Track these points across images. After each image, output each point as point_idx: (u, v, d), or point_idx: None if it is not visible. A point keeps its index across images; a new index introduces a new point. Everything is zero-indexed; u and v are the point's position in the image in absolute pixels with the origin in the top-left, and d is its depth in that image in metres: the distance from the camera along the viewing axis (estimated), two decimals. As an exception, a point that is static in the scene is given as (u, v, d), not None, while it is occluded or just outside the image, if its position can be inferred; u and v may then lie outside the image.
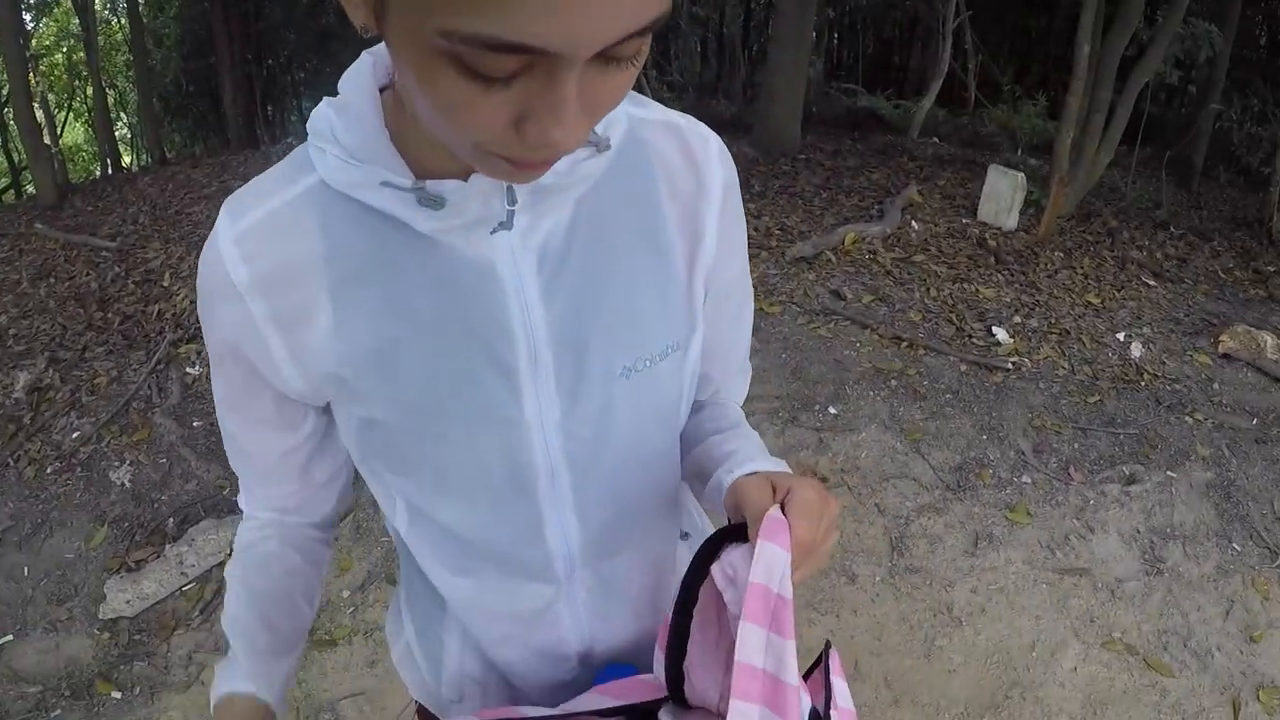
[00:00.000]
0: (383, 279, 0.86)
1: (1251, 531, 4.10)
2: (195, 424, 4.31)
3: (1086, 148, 7.99)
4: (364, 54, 0.85)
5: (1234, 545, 4.00)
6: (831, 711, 0.91)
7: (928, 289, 6.21)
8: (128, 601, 3.26)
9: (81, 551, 3.56)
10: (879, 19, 17.85)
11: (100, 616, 3.25)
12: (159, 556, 3.45)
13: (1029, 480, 4.25)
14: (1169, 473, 4.42)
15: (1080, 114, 7.95)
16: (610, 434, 0.97)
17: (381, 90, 0.84)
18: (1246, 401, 5.27)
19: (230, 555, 1.17)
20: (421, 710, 1.31)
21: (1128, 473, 4.38)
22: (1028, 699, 3.13)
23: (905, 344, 5.36)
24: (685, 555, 1.18)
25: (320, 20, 15.90)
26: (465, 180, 0.80)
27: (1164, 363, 5.66)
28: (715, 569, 0.87)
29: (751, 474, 0.92)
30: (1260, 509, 4.27)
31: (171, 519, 3.69)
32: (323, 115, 0.85)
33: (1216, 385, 5.43)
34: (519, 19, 0.53)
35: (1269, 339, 5.75)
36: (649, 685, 1.03)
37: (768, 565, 0.79)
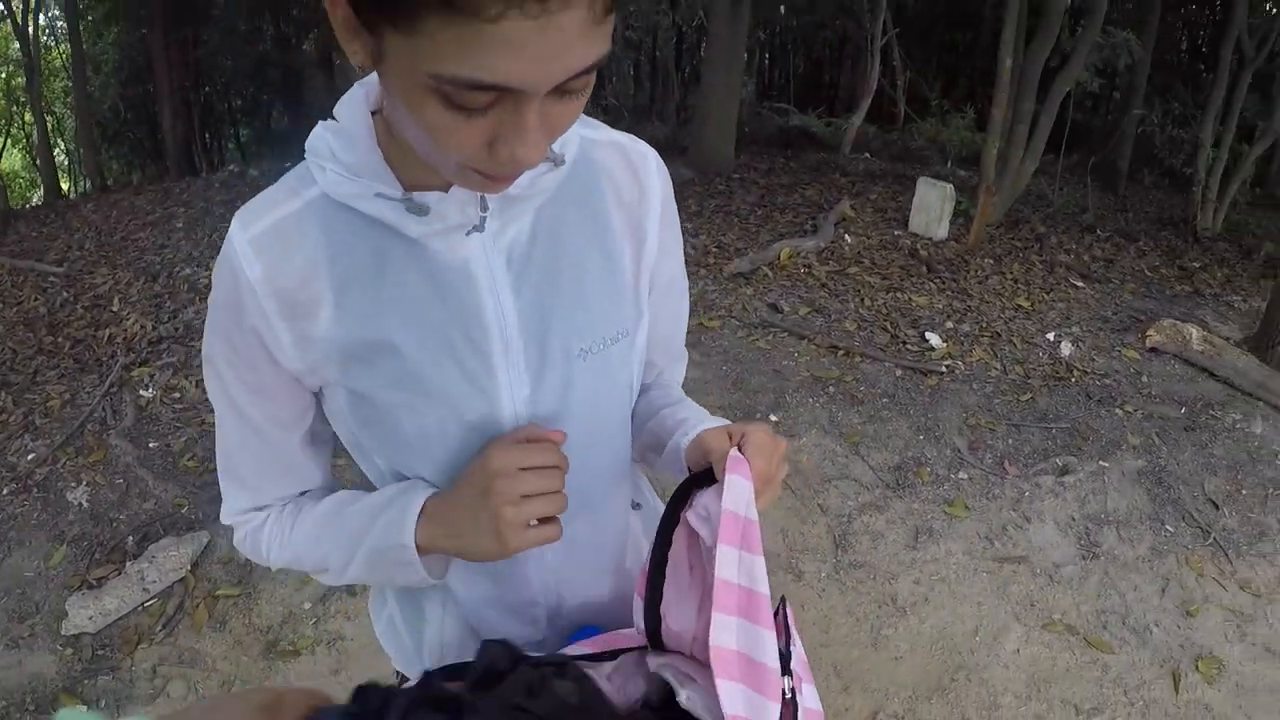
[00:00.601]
0: (376, 276, 1.00)
1: (1183, 513, 4.30)
2: (151, 445, 4.36)
3: (1012, 157, 8.27)
4: (356, 86, 0.98)
5: (1167, 527, 4.20)
6: (792, 648, 1.05)
7: (862, 299, 6.41)
8: (90, 618, 3.30)
9: (41, 570, 3.61)
10: (809, 39, 18.17)
11: (63, 633, 3.29)
12: (120, 573, 3.50)
13: (966, 476, 4.42)
14: (1101, 462, 4.62)
15: (1005, 125, 8.23)
16: (570, 408, 1.11)
17: (372, 114, 0.99)
18: (1175, 392, 5.51)
19: (273, 544, 1.23)
20: (403, 680, 1.42)
21: (1061, 464, 4.57)
22: (973, 681, 3.27)
23: (842, 352, 5.54)
24: (637, 524, 1.35)
25: (257, 47, 15.96)
26: (445, 192, 0.96)
27: (1093, 359, 5.89)
28: (688, 513, 1.02)
29: (708, 429, 1.09)
30: (1191, 492, 4.47)
31: (131, 537, 3.74)
32: (320, 137, 0.98)
33: (1145, 378, 5.67)
34: (491, 64, 0.69)
35: (1194, 331, 5.99)
36: (625, 637, 1.17)
37: (735, 495, 0.94)
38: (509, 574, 1.22)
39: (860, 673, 3.30)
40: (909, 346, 5.79)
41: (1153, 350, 6.03)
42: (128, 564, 3.53)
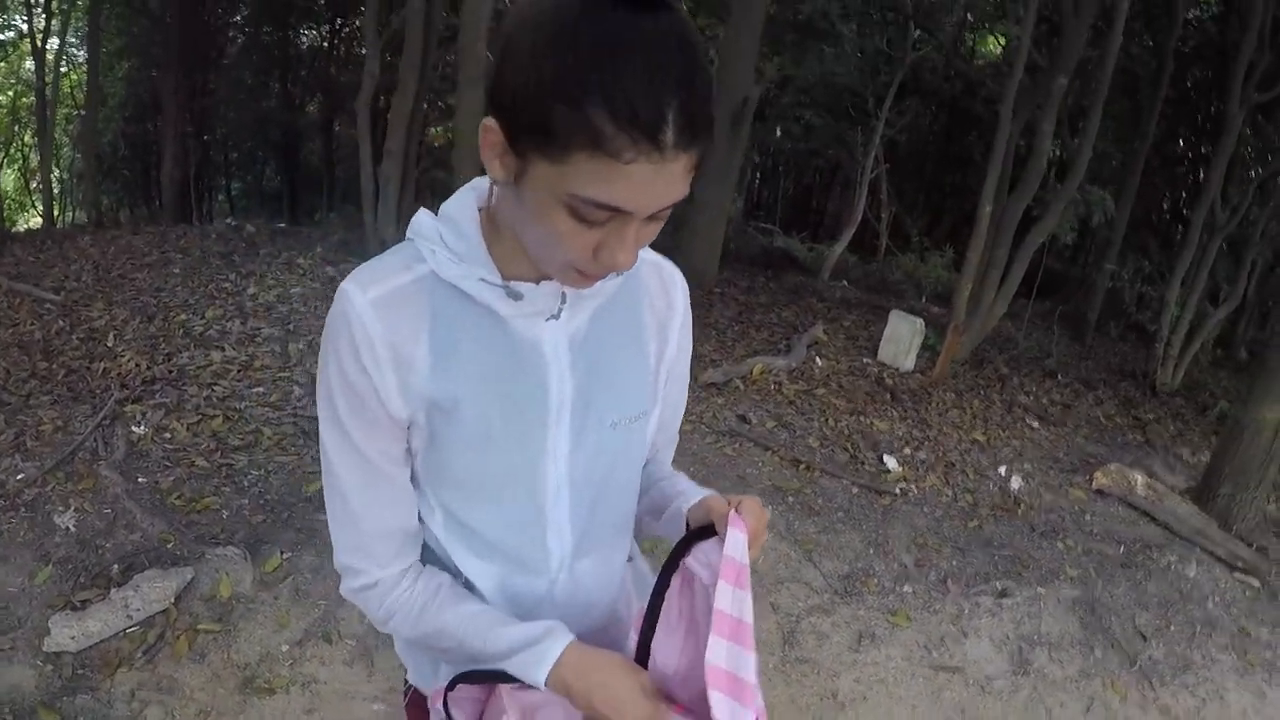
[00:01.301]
0: (467, 343, 1.27)
1: (1112, 641, 4.63)
2: (140, 480, 4.50)
3: (983, 299, 8.69)
4: (465, 189, 1.30)
5: (1095, 652, 4.52)
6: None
7: (826, 419, 6.76)
8: (72, 638, 3.39)
9: (25, 587, 3.69)
10: (800, 164, 18.65)
11: (44, 649, 3.37)
12: (104, 598, 3.58)
13: (910, 589, 4.73)
14: (1039, 589, 4.95)
15: (979, 268, 8.66)
16: (598, 467, 1.42)
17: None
18: (1115, 531, 5.87)
19: (396, 612, 1.41)
20: (415, 694, 1.66)
21: (1000, 587, 4.90)
22: (901, 775, 3.57)
23: (803, 466, 5.87)
24: (630, 574, 1.66)
25: (261, 104, 16.23)
26: (535, 284, 1.25)
27: (1041, 495, 6.27)
28: (688, 559, 1.34)
29: (712, 495, 1.42)
30: (1121, 623, 4.80)
31: (116, 565, 3.84)
32: (428, 224, 1.28)
33: (1088, 516, 6.04)
34: (617, 193, 1.01)
35: (1140, 477, 6.37)
36: None
37: (734, 544, 1.25)
38: (530, 609, 1.46)
39: (798, 757, 3.58)
40: (867, 467, 6.14)
41: (1099, 492, 6.41)
42: (112, 590, 3.61)
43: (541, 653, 1.30)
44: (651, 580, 1.51)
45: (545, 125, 0.99)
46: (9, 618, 3.50)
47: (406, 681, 1.69)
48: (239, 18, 16.22)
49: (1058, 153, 13.80)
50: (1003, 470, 6.54)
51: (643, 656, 1.39)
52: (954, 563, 5.12)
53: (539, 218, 1.08)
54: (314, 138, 18.20)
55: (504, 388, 1.30)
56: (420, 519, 1.43)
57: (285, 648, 3.60)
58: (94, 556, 3.90)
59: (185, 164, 13.92)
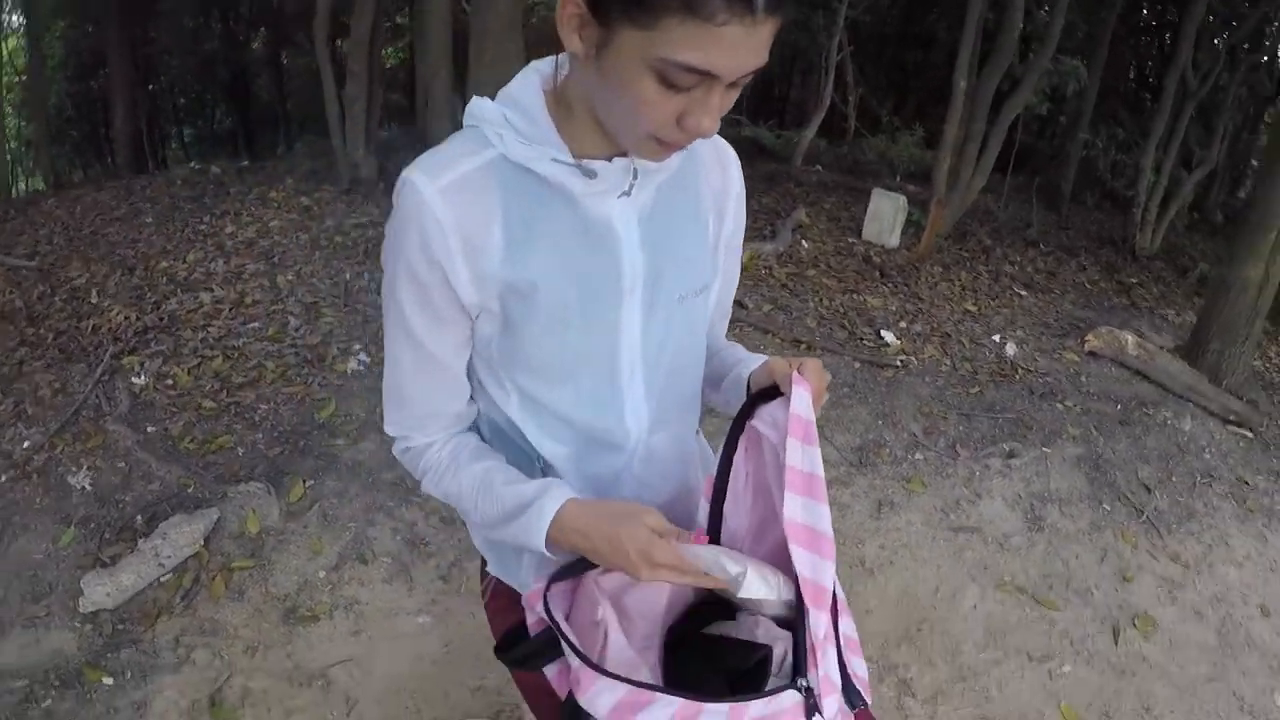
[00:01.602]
0: (540, 225, 1.28)
1: (1119, 494, 4.78)
2: (150, 429, 4.48)
3: (962, 173, 8.76)
4: (526, 70, 1.30)
5: (1104, 506, 4.67)
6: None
7: (820, 299, 6.85)
8: (107, 594, 3.36)
9: (50, 552, 3.66)
10: (763, 52, 18.50)
11: (80, 610, 3.35)
12: (133, 551, 3.55)
13: (921, 457, 4.86)
14: (1044, 449, 5.10)
15: (956, 143, 8.71)
16: (668, 341, 1.45)
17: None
18: (1111, 391, 6.02)
19: (428, 471, 1.48)
20: (497, 585, 1.70)
21: (1007, 449, 5.04)
22: (936, 631, 3.69)
23: (804, 346, 5.97)
24: (698, 444, 1.71)
25: (204, 45, 15.94)
26: (609, 160, 1.26)
27: (1036, 359, 6.40)
28: (754, 421, 1.40)
29: (773, 358, 1.46)
30: (1125, 477, 4.96)
31: (139, 516, 3.82)
32: (492, 108, 1.27)
33: (1084, 378, 6.18)
34: (708, 55, 1.02)
35: (1130, 338, 6.50)
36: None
37: (800, 402, 1.29)
38: (612, 490, 1.53)
39: (833, 621, 3.70)
40: (866, 342, 6.24)
41: (1091, 354, 6.55)
42: (140, 541, 3.60)
43: (537, 513, 1.34)
44: (712, 453, 1.61)
45: None
46: (39, 584, 3.50)
47: (485, 574, 1.74)
48: None
49: (1024, 26, 13.78)
50: (997, 338, 6.66)
51: (715, 523, 1.46)
52: (960, 429, 5.25)
53: (623, 86, 1.09)
54: (262, 73, 17.87)
55: (579, 267, 1.32)
56: (497, 406, 1.47)
57: (322, 574, 3.63)
58: (115, 511, 3.88)
59: (136, 116, 13.67)
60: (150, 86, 15.94)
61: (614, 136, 1.22)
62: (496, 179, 1.26)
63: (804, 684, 1.26)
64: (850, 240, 8.36)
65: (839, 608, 1.42)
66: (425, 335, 1.34)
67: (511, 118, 1.26)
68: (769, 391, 1.38)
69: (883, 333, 6.36)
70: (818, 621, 1.24)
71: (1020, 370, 6.19)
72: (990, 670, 3.53)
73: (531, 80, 1.28)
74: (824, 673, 1.28)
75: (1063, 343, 6.77)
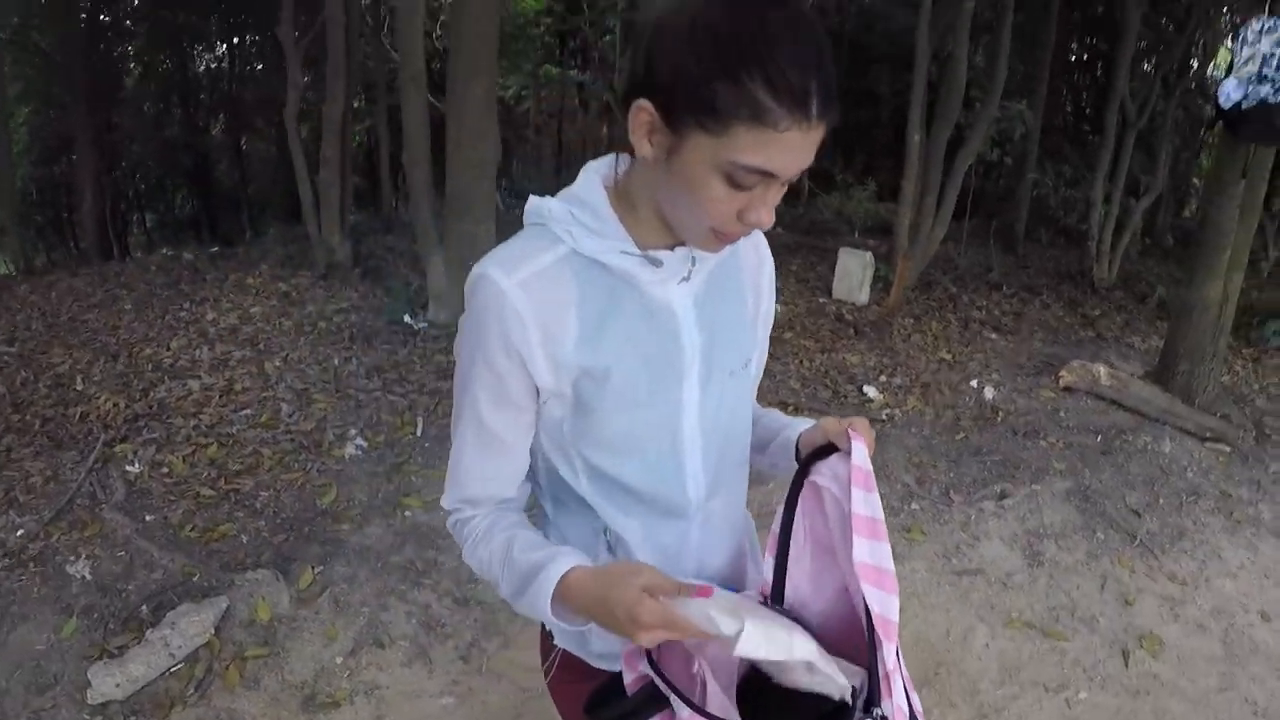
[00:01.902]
0: (611, 312, 1.37)
1: (1111, 523, 4.97)
2: (148, 518, 4.45)
3: (923, 225, 9.02)
4: (587, 171, 1.40)
5: (1098, 535, 4.86)
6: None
7: (801, 361, 7.05)
8: (116, 685, 3.32)
9: (53, 642, 3.60)
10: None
11: (89, 702, 3.31)
12: (141, 641, 3.51)
13: (918, 506, 5.04)
14: (1034, 486, 5.29)
15: (915, 197, 8.98)
16: (722, 412, 1.54)
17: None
18: (1090, 423, 6.24)
19: (468, 540, 1.52)
20: (565, 657, 1.70)
21: (999, 490, 5.23)
22: (953, 673, 3.83)
23: (791, 408, 6.10)
24: (747, 515, 1.82)
25: (165, 132, 15.92)
26: (671, 250, 1.37)
27: (1015, 400, 6.63)
28: (814, 478, 1.52)
29: (825, 418, 1.58)
30: (1115, 504, 5.15)
31: (144, 606, 3.79)
32: (560, 207, 1.37)
33: (1062, 413, 6.40)
34: (773, 159, 1.15)
35: (1102, 370, 6.72)
36: (749, 598, 1.62)
37: (859, 455, 1.41)
38: (677, 557, 1.59)
39: (854, 673, 3.84)
40: (850, 399, 6.43)
41: (1066, 389, 6.78)
42: (148, 631, 3.56)
43: (545, 580, 1.38)
44: (751, 519, 1.76)
45: (710, 101, 1.13)
46: (44, 676, 3.45)
47: (550, 649, 1.75)
48: (132, 48, 15.93)
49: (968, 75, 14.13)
50: (974, 383, 6.89)
51: (780, 577, 1.56)
52: (951, 475, 5.44)
53: (692, 186, 1.22)
54: (223, 159, 17.90)
55: (646, 349, 1.42)
56: (565, 484, 1.53)
57: (339, 660, 3.65)
58: (118, 601, 3.84)
59: (101, 202, 13.69)
60: (114, 172, 15.83)
61: (677, 230, 1.34)
62: (570, 272, 1.36)
63: (879, 713, 1.37)
64: (821, 300, 8.60)
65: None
66: (495, 422, 1.43)
67: (579, 215, 1.37)
68: (823, 450, 1.49)
69: (865, 388, 6.56)
70: (889, 653, 1.34)
71: (1001, 412, 6.41)
72: (1010, 705, 3.67)
73: (593, 180, 1.39)
74: (896, 703, 1.39)
75: (1038, 381, 7.01)
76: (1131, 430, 6.12)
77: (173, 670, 3.48)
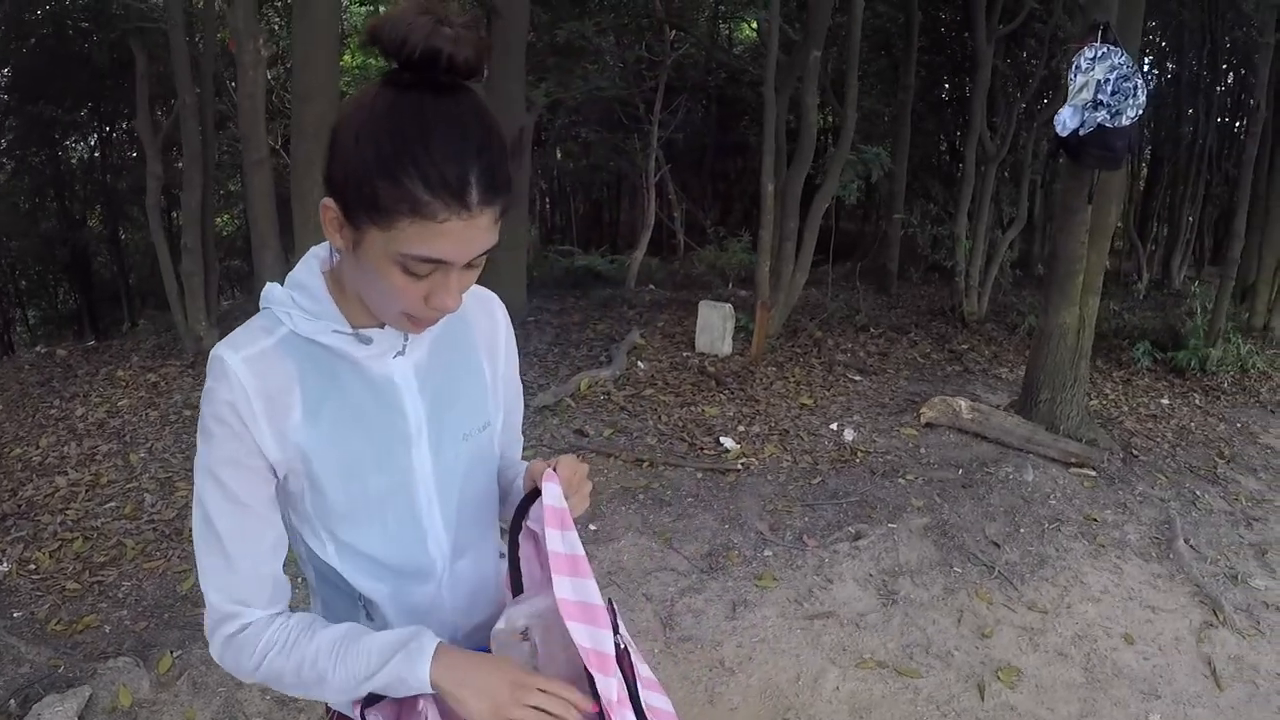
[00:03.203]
0: (332, 388, 1.45)
1: (969, 556, 4.97)
2: (15, 614, 4.51)
3: (783, 272, 9.09)
4: (308, 257, 1.50)
5: (955, 569, 4.85)
6: (620, 633, 1.59)
7: (659, 416, 7.03)
8: None
9: None
10: (586, 181, 18.96)
11: None
12: None
13: (770, 553, 4.99)
14: (890, 525, 5.29)
15: (774, 244, 9.05)
16: (459, 476, 1.62)
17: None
18: (951, 457, 6.28)
19: (265, 650, 1.48)
20: (339, 715, 1.75)
21: (854, 531, 5.21)
22: (801, 718, 3.78)
23: (646, 464, 6.10)
24: (503, 567, 1.81)
25: (41, 226, 15.73)
26: (381, 328, 1.46)
27: (874, 440, 6.66)
28: (528, 521, 1.57)
29: (534, 461, 1.61)
30: (974, 537, 5.16)
31: (12, 700, 3.83)
32: (280, 292, 1.46)
33: (923, 450, 6.44)
34: (436, 247, 1.23)
35: (963, 403, 6.78)
36: None
37: (551, 495, 1.46)
38: (431, 616, 1.66)
39: (700, 726, 3.77)
40: (706, 451, 6.40)
41: (928, 425, 6.83)
42: None
43: (418, 650, 1.43)
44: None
45: (373, 200, 1.21)
46: None
47: (327, 710, 1.80)
48: (4, 143, 15.73)
49: (830, 119, 14.39)
50: (834, 426, 6.90)
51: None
52: (806, 520, 5.41)
53: (376, 277, 1.30)
54: (101, 251, 17.75)
55: (369, 421, 1.49)
56: (315, 555, 1.58)
57: None
58: None
59: None
60: None
61: (376, 314, 1.43)
62: (290, 352, 1.44)
63: None
64: (685, 354, 8.61)
65: (641, 683, 1.58)
66: (241, 490, 1.43)
67: (298, 298, 1.46)
68: (535, 493, 1.54)
69: (722, 439, 6.53)
70: (607, 686, 1.39)
71: (860, 453, 6.42)
72: (858, 749, 3.62)
73: (312, 264, 1.49)
74: None
75: (899, 420, 7.05)
76: (994, 462, 6.17)
77: None
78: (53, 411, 7.20)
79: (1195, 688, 4.05)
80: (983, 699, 3.90)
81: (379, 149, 1.20)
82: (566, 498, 1.49)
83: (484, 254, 1.31)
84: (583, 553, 1.44)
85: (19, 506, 5.58)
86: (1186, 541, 5.26)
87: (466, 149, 1.21)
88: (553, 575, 1.41)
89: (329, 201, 1.29)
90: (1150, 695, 3.97)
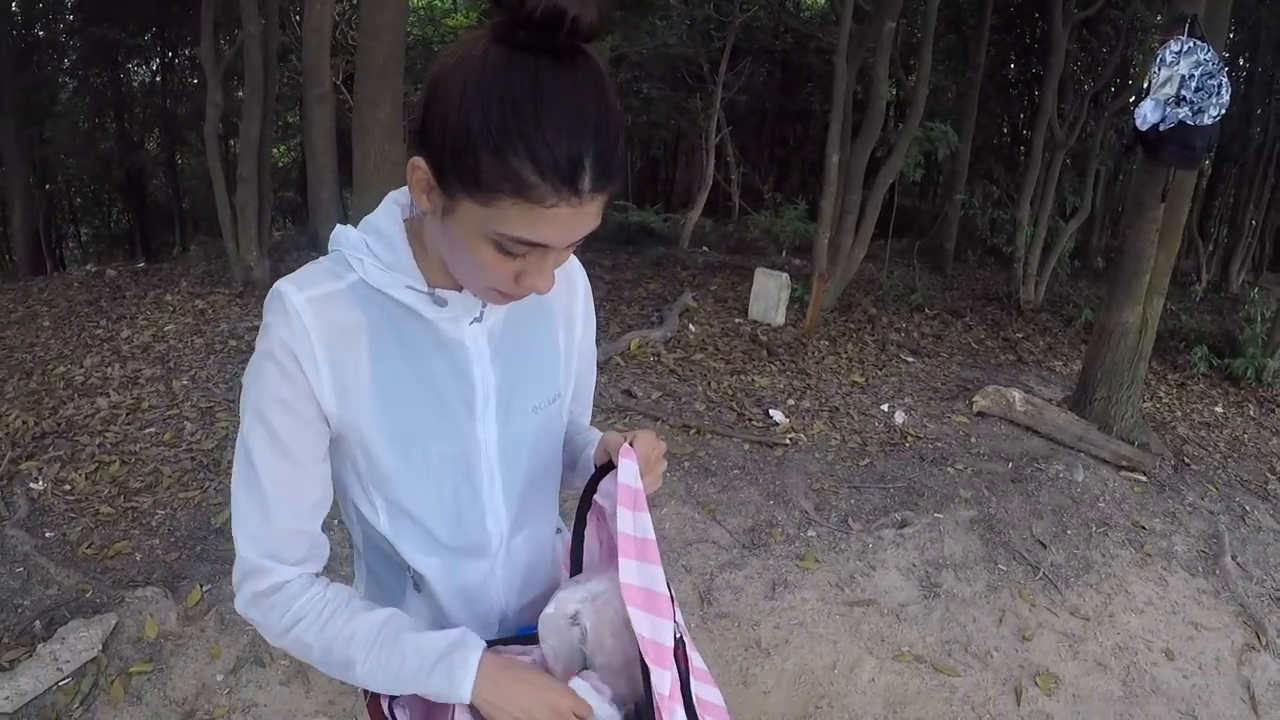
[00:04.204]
0: (399, 345, 1.37)
1: (1014, 554, 4.87)
2: (48, 535, 4.49)
3: (842, 245, 8.96)
4: (388, 201, 1.40)
5: (1000, 566, 4.75)
6: (681, 633, 1.53)
7: (709, 382, 6.95)
8: (6, 698, 3.37)
9: None
10: (645, 138, 18.82)
11: None
12: (32, 655, 3.57)
13: (814, 534, 4.91)
14: (936, 515, 5.19)
15: (834, 216, 8.92)
16: (524, 450, 1.55)
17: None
18: (1001, 450, 6.15)
19: (300, 616, 1.42)
20: (374, 700, 1.70)
21: (900, 518, 5.11)
22: (835, 707, 3.71)
23: (694, 431, 6.03)
24: (559, 545, 1.79)
25: (100, 146, 15.83)
26: (459, 291, 1.38)
27: (925, 425, 6.54)
28: (596, 496, 1.51)
29: (609, 432, 1.55)
30: (1020, 535, 5.05)
31: (38, 621, 3.82)
32: (357, 236, 1.38)
33: (973, 439, 6.31)
34: (540, 232, 1.14)
35: (1017, 394, 6.65)
36: None
37: (626, 472, 1.40)
38: (481, 595, 1.61)
39: (734, 707, 3.66)
40: (754, 423, 6.32)
41: (980, 414, 6.70)
42: (39, 646, 3.60)
43: (462, 664, 1.38)
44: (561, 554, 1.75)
45: (474, 172, 1.11)
46: None
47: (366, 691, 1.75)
48: (66, 63, 15.77)
49: (896, 94, 14.19)
50: (885, 407, 6.80)
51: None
52: (852, 502, 5.32)
53: (464, 250, 1.21)
54: (157, 174, 17.87)
55: (436, 384, 1.41)
56: (367, 520, 1.51)
57: (220, 677, 3.64)
58: (14, 616, 3.87)
59: (33, 217, 13.57)
60: (47, 186, 15.79)
61: (460, 281, 1.34)
62: (358, 301, 1.35)
63: None
64: (737, 320, 8.51)
65: (688, 648, 1.54)
66: (289, 437, 1.36)
67: (373, 245, 1.36)
68: (607, 466, 1.48)
69: (771, 412, 6.44)
70: (661, 680, 1.33)
71: (910, 437, 6.32)
72: (891, 744, 3.55)
73: (392, 211, 1.39)
74: None
75: (951, 406, 6.93)
76: (1044, 458, 6.05)
77: (60, 685, 3.52)
78: (99, 332, 7.17)
79: (1233, 711, 3.95)
80: (1019, 704, 3.82)
81: (486, 117, 1.08)
82: (641, 476, 1.41)
83: (583, 238, 1.23)
84: (653, 537, 1.38)
85: (58, 425, 5.55)
86: (1234, 558, 5.14)
87: (583, 129, 1.09)
88: (620, 557, 1.35)
89: (419, 161, 1.18)
90: (1187, 715, 3.88)
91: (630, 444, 1.42)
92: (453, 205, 1.17)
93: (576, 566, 1.55)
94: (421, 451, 1.42)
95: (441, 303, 1.37)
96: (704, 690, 1.55)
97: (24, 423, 5.54)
